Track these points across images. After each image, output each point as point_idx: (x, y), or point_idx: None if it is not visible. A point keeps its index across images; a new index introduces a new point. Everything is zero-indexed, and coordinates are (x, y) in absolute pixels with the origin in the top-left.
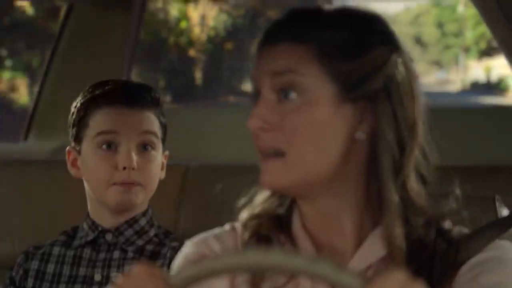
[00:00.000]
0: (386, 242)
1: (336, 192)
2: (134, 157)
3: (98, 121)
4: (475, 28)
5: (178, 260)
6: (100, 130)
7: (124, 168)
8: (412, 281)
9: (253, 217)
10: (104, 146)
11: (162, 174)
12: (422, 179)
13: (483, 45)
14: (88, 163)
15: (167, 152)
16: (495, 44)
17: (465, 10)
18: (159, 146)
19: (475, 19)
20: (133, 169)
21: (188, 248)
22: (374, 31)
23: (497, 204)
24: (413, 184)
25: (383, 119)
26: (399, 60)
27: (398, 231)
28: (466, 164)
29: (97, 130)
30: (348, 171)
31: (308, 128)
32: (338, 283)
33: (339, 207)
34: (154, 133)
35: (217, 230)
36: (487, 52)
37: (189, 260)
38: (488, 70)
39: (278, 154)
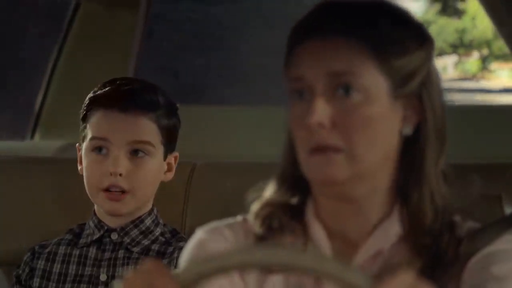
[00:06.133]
0: (408, 215)
1: (371, 183)
2: (123, 163)
3: (93, 124)
4: None
5: (191, 246)
6: (92, 135)
7: (111, 174)
8: (420, 282)
9: (265, 205)
10: (96, 151)
11: (169, 176)
12: (444, 175)
13: None
14: (83, 165)
15: (176, 154)
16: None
17: None
18: (156, 152)
19: None
20: (120, 175)
21: (200, 235)
22: (417, 29)
23: (503, 202)
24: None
25: (428, 114)
26: (434, 59)
27: (429, 214)
28: (472, 162)
29: (91, 135)
30: (388, 164)
31: (366, 126)
32: (345, 282)
33: (366, 196)
34: (146, 142)
35: (229, 220)
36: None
37: (203, 245)
38: None
39: (335, 149)
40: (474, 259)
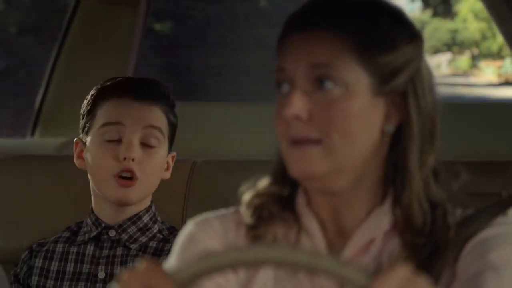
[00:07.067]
0: (400, 213)
1: (355, 179)
2: (136, 149)
3: (105, 112)
4: None
5: (181, 239)
6: (105, 121)
7: (125, 158)
8: (417, 276)
9: (256, 196)
10: (108, 137)
11: (167, 175)
12: (435, 173)
13: None
14: (92, 154)
15: (174, 153)
16: None
17: None
18: (164, 143)
19: None
20: (133, 160)
21: (190, 227)
22: (405, 25)
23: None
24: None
25: (412, 112)
26: (424, 56)
27: (418, 211)
28: (472, 160)
29: (103, 121)
30: (371, 161)
31: (345, 119)
32: (343, 278)
33: (350, 189)
34: (159, 129)
35: (221, 211)
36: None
37: (192, 238)
38: None
39: (313, 142)
40: (469, 246)
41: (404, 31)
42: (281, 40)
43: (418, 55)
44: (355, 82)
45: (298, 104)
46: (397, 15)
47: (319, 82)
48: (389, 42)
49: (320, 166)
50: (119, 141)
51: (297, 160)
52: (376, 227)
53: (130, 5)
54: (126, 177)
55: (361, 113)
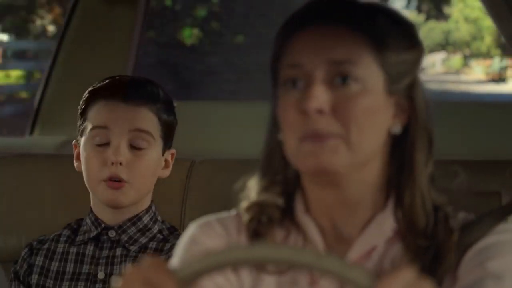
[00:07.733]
0: (402, 215)
1: (359, 175)
2: (124, 152)
3: (94, 115)
4: None
5: (183, 241)
6: (93, 124)
7: (113, 163)
8: (421, 279)
9: (254, 204)
10: (97, 142)
11: (166, 173)
12: (431, 176)
13: None
14: (83, 158)
15: (173, 150)
16: None
17: None
18: (155, 144)
19: None
20: (120, 164)
21: (192, 230)
22: (413, 31)
23: (502, 198)
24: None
25: (417, 114)
26: (421, 65)
27: (421, 213)
28: (472, 159)
29: (92, 125)
30: (377, 159)
31: (364, 114)
32: (346, 279)
33: (355, 188)
34: (146, 132)
35: (222, 214)
36: None
37: (195, 240)
38: None
39: (333, 137)
40: (469, 254)
41: (412, 36)
42: (290, 34)
43: (419, 62)
44: (372, 79)
45: (321, 98)
46: (405, 21)
47: (339, 78)
48: (400, 43)
49: (340, 160)
50: (107, 144)
51: (313, 154)
52: (378, 234)
53: (129, 4)
54: (116, 180)
55: (376, 110)
